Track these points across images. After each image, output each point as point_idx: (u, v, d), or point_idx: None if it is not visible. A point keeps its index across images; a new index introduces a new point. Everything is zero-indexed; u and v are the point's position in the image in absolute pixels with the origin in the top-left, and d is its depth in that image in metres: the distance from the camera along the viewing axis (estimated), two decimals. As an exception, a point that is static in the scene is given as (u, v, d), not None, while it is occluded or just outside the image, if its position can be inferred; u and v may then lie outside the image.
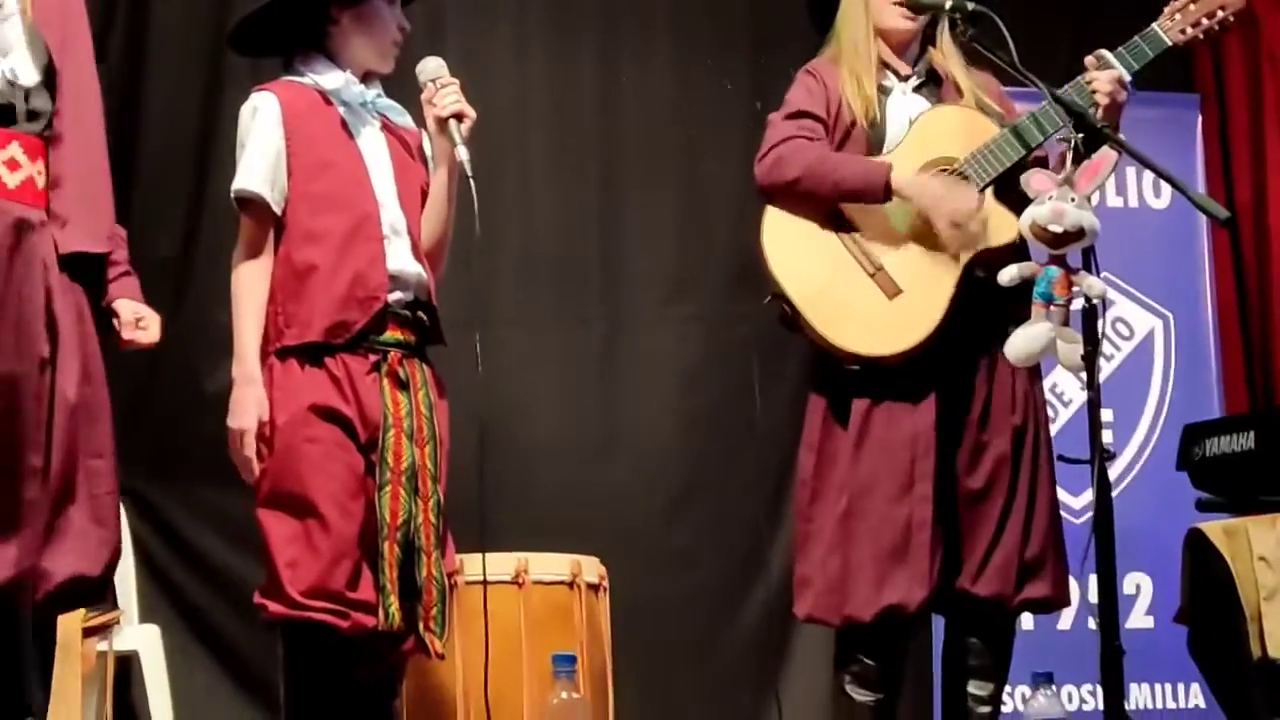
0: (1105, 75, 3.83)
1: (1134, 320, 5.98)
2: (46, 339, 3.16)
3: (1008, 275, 3.65)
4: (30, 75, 3.20)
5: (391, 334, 3.62)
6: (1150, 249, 5.99)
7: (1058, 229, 3.57)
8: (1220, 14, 3.91)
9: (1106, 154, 3.64)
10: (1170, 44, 3.91)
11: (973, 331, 3.84)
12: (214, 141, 5.32)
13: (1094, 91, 3.82)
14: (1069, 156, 3.65)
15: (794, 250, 3.87)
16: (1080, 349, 3.58)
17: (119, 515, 3.32)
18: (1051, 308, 3.60)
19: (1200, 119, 6.19)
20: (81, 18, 3.36)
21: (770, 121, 3.96)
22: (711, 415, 5.81)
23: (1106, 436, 3.93)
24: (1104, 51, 3.87)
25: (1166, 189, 5.92)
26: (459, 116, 3.66)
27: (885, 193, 3.82)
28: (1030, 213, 3.61)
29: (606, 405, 5.80)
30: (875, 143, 3.92)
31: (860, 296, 3.83)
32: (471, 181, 3.60)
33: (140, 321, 3.40)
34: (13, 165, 3.17)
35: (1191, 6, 3.90)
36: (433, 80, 3.70)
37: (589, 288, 5.84)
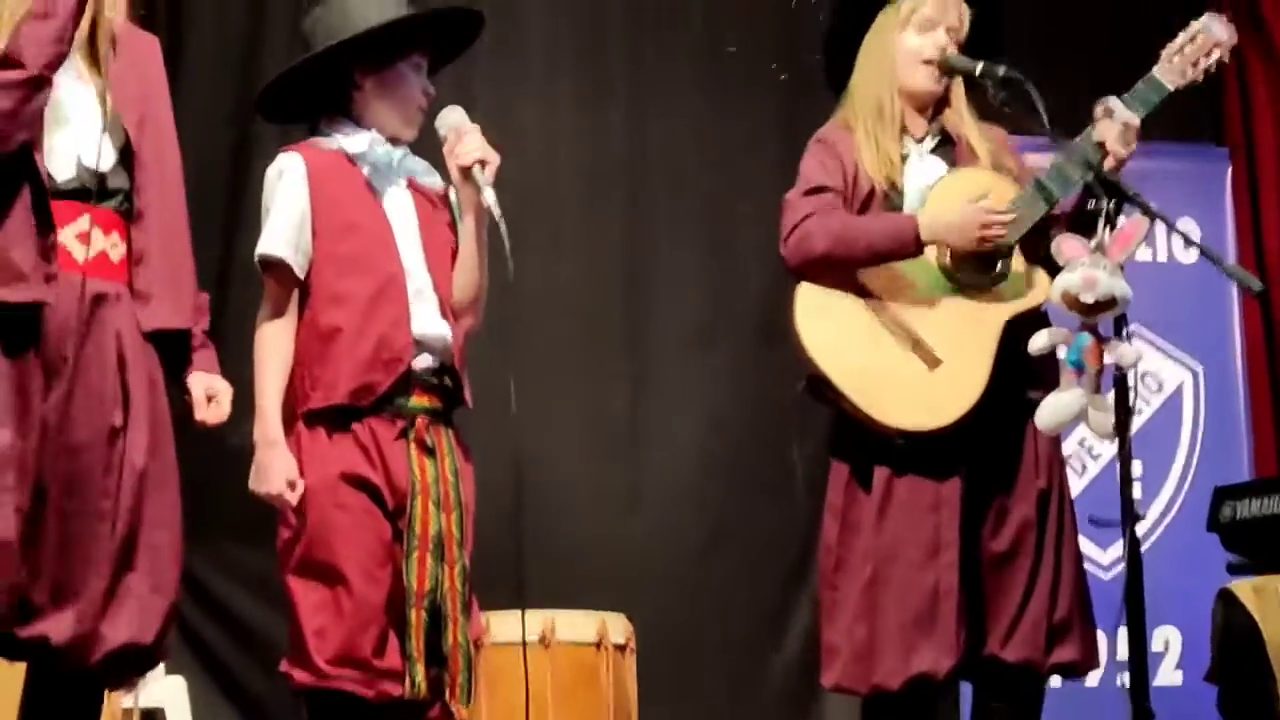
0: (1115, 122, 3.78)
1: (1163, 374, 5.97)
2: (120, 409, 3.23)
3: (1038, 343, 3.63)
4: (107, 159, 3.27)
5: (418, 400, 3.61)
6: (1180, 302, 5.98)
7: (1090, 298, 3.54)
8: (1215, 52, 3.89)
9: (1139, 221, 3.62)
10: (1171, 89, 3.87)
11: (996, 396, 3.81)
12: (242, 201, 5.32)
13: (1101, 143, 3.77)
14: (1100, 223, 3.63)
15: (829, 329, 3.83)
16: (1112, 418, 3.57)
17: (178, 585, 3.35)
18: (1083, 376, 3.58)
19: (1230, 171, 6.18)
20: (163, 95, 3.45)
21: (787, 201, 3.92)
22: (739, 465, 5.80)
23: (1135, 491, 3.91)
24: (1111, 99, 3.83)
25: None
26: (482, 162, 3.64)
27: (917, 244, 3.80)
28: (1062, 280, 3.59)
29: (633, 455, 5.79)
30: (894, 208, 3.89)
31: (901, 370, 3.80)
32: (501, 222, 3.55)
33: (212, 399, 3.46)
34: (84, 239, 3.22)
35: (1187, 49, 3.88)
36: (453, 129, 3.69)
37: (617, 337, 5.85)
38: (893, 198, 3.89)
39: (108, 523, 3.19)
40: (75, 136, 3.24)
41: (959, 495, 3.79)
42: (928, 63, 3.92)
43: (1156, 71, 3.88)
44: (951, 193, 3.87)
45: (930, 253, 3.85)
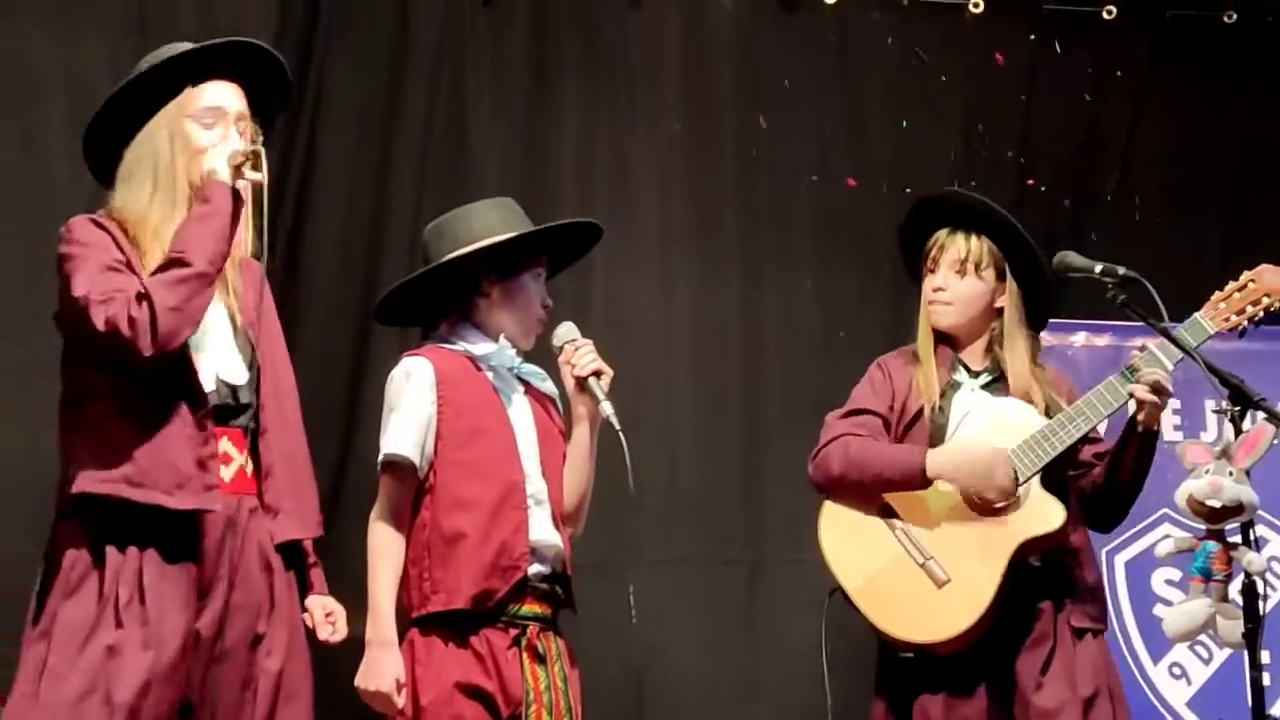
0: (1148, 376, 3.79)
1: (1291, 560, 5.86)
2: (265, 618, 3.32)
3: (1164, 549, 3.61)
4: (240, 375, 3.38)
5: (530, 607, 3.63)
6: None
7: (1215, 504, 3.52)
8: (1265, 300, 3.90)
9: (1265, 427, 3.61)
10: (1213, 332, 3.90)
11: (1025, 615, 3.85)
12: (362, 390, 5.41)
13: (1132, 394, 3.81)
14: (1229, 429, 3.61)
15: (848, 543, 3.96)
16: (1241, 626, 3.52)
17: None
18: (1210, 583, 3.54)
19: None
20: (274, 315, 3.56)
21: (825, 421, 4.07)
22: (854, 659, 5.73)
23: (1265, 678, 3.84)
24: (1150, 345, 3.88)
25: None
26: (597, 374, 3.71)
27: (923, 478, 3.89)
28: (1187, 486, 3.57)
29: (750, 645, 5.74)
30: (936, 435, 3.98)
31: (909, 586, 3.88)
32: (622, 435, 3.62)
33: (329, 617, 3.54)
34: (226, 460, 3.32)
35: (1236, 295, 3.92)
36: (569, 342, 3.75)
37: (732, 527, 5.82)
38: (938, 421, 3.98)
39: None
40: (214, 353, 3.35)
41: (984, 713, 3.83)
42: (932, 303, 4.05)
43: (1201, 316, 3.90)
44: (977, 432, 3.95)
45: None
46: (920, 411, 3.98)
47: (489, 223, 3.75)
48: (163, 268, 3.20)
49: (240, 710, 3.26)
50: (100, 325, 3.13)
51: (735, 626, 5.76)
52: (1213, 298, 3.94)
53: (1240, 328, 3.89)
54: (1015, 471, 3.82)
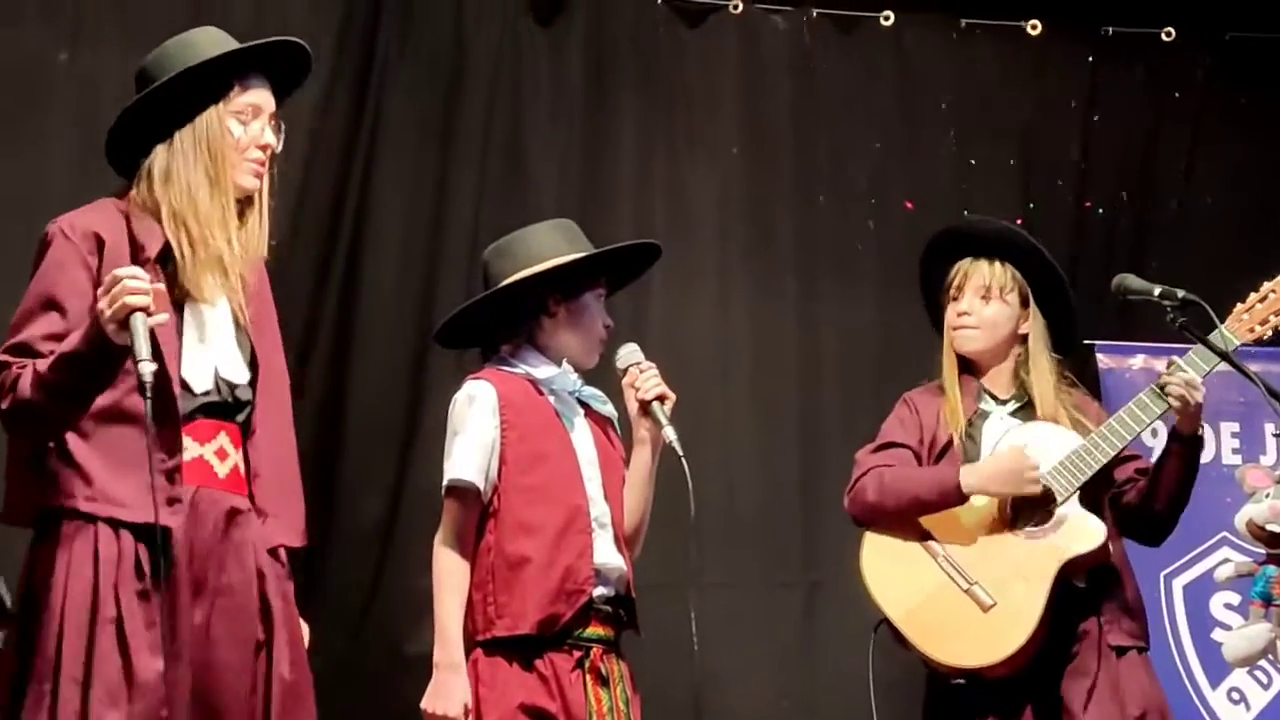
0: (1179, 379, 3.84)
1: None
2: (260, 623, 3.25)
3: (1224, 573, 3.59)
4: (242, 373, 3.32)
5: (594, 630, 3.64)
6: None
7: (1276, 528, 3.50)
8: None
9: (1327, 453, 3.58)
10: (1239, 344, 3.94)
11: (1068, 635, 3.88)
12: (420, 412, 5.44)
13: (1168, 393, 3.86)
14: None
15: (891, 573, 4.00)
16: (1302, 651, 3.49)
17: None
18: (1270, 608, 3.53)
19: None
20: (273, 318, 3.48)
21: (856, 458, 4.12)
22: (910, 682, 5.71)
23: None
24: (1176, 359, 3.92)
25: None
26: (661, 399, 3.71)
27: (958, 494, 3.93)
28: (1247, 511, 3.56)
29: (806, 670, 5.74)
30: (969, 461, 4.00)
31: (956, 612, 3.92)
32: (685, 461, 3.63)
33: None
34: (222, 455, 3.28)
35: (1258, 306, 3.98)
36: (634, 365, 3.75)
37: (789, 549, 5.82)
38: (969, 449, 4.01)
39: None
40: (214, 350, 3.30)
41: None
42: (957, 328, 4.10)
43: (1225, 328, 3.94)
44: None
45: (992, 500, 3.97)
46: (949, 442, 4.02)
47: (553, 243, 3.77)
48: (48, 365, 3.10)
49: (253, 717, 3.20)
50: None
51: (792, 650, 5.76)
52: (1235, 309, 3.98)
53: (1263, 338, 3.95)
54: (1051, 490, 3.86)
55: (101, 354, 3.03)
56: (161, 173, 3.29)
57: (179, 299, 3.25)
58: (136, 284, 2.99)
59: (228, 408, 3.30)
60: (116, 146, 3.36)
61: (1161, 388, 3.85)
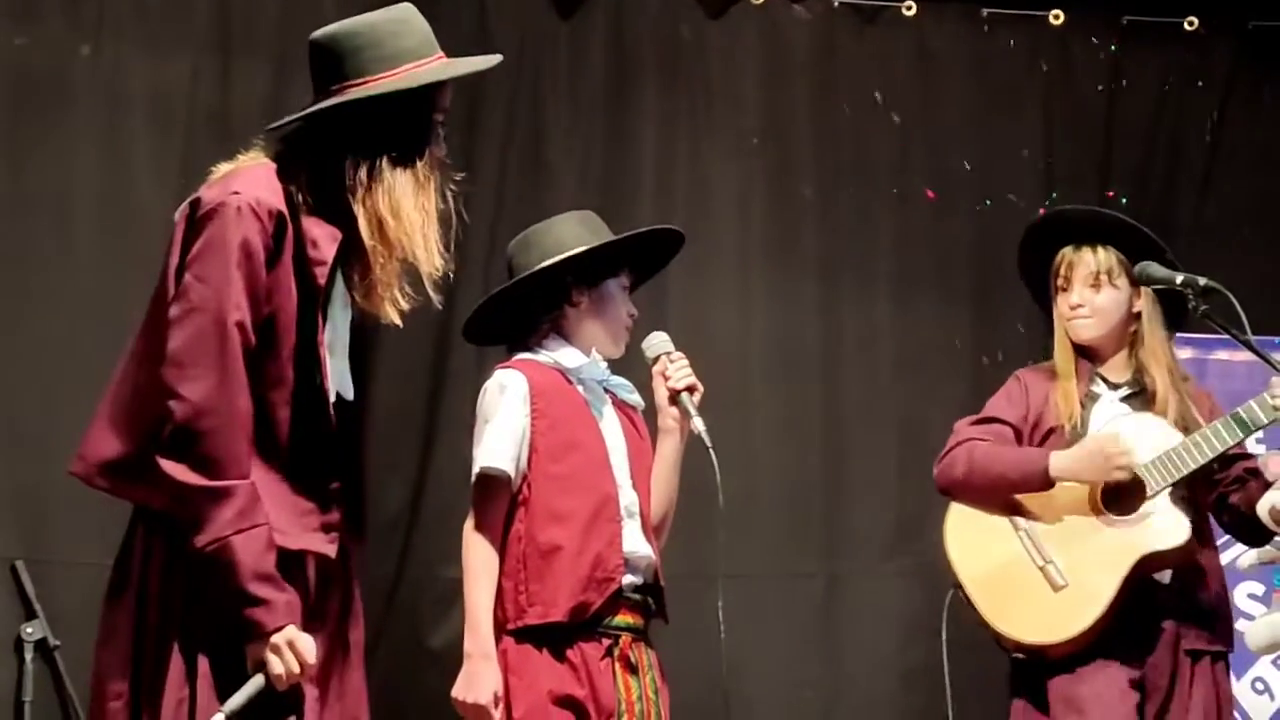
0: None
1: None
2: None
3: (1247, 561, 3.59)
4: (348, 389, 3.15)
5: (623, 618, 3.66)
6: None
7: (1301, 515, 3.48)
8: None
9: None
10: None
11: (1146, 633, 3.89)
12: (441, 403, 5.47)
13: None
14: None
15: (972, 542, 4.04)
16: (1324, 637, 3.48)
17: None
18: (1293, 596, 3.51)
19: None
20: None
21: (955, 428, 4.13)
22: (932, 671, 5.71)
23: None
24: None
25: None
26: (691, 389, 3.73)
27: (1044, 479, 3.94)
28: (1270, 497, 3.55)
29: (827, 659, 5.75)
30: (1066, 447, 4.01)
31: (1027, 587, 3.95)
32: (713, 452, 3.65)
33: None
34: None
35: None
36: (665, 354, 3.77)
37: (810, 540, 5.82)
38: (1080, 434, 4.00)
39: None
40: (338, 360, 3.12)
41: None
42: (1071, 319, 4.08)
43: None
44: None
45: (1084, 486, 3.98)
46: (1055, 429, 4.02)
47: (576, 233, 3.78)
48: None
49: None
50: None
51: (813, 640, 5.76)
52: None
53: None
54: (1144, 483, 3.86)
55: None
56: (375, 169, 3.04)
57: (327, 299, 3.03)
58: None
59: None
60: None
61: (1274, 396, 3.84)
